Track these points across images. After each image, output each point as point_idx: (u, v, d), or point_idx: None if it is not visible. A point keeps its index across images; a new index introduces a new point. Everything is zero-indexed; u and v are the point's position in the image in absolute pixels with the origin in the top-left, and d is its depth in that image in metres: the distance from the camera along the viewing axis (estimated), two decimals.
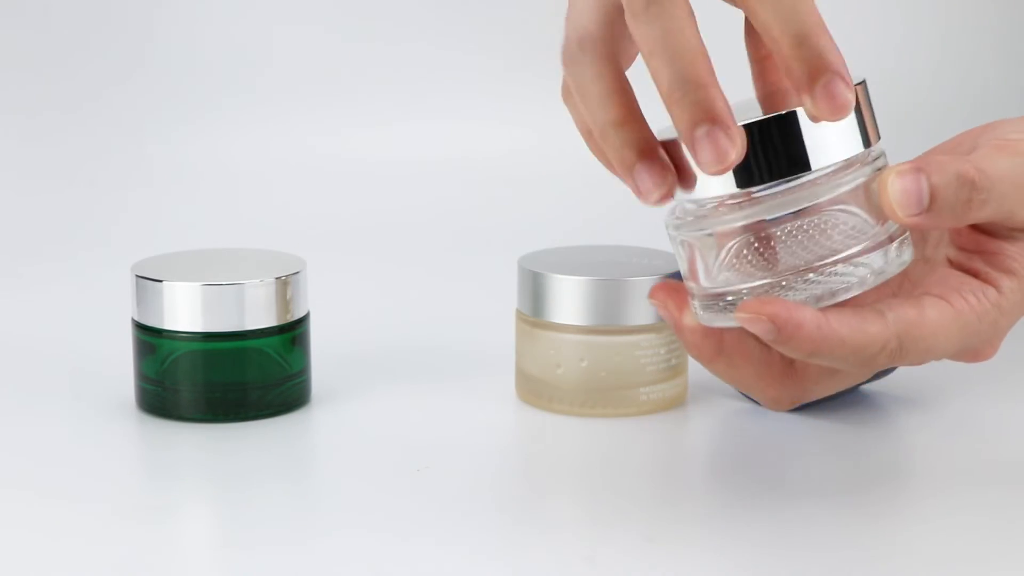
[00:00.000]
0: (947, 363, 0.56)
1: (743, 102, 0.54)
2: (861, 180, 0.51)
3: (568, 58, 0.53)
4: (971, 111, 1.08)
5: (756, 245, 0.51)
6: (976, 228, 0.55)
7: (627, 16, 0.50)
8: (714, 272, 0.52)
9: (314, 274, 0.69)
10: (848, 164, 0.51)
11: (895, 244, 0.52)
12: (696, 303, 0.53)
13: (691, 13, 0.49)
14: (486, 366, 0.73)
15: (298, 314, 0.66)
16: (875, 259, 0.52)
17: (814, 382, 0.57)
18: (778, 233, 0.51)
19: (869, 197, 0.51)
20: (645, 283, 0.65)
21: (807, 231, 0.51)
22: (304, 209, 1.04)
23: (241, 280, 0.64)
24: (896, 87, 1.09)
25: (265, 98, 1.11)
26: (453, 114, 1.10)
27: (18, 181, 1.05)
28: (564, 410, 0.67)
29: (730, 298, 0.52)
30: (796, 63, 0.48)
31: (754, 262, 0.51)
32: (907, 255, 0.53)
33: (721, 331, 0.55)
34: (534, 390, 0.67)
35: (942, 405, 0.67)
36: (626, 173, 0.51)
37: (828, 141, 0.50)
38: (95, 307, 0.82)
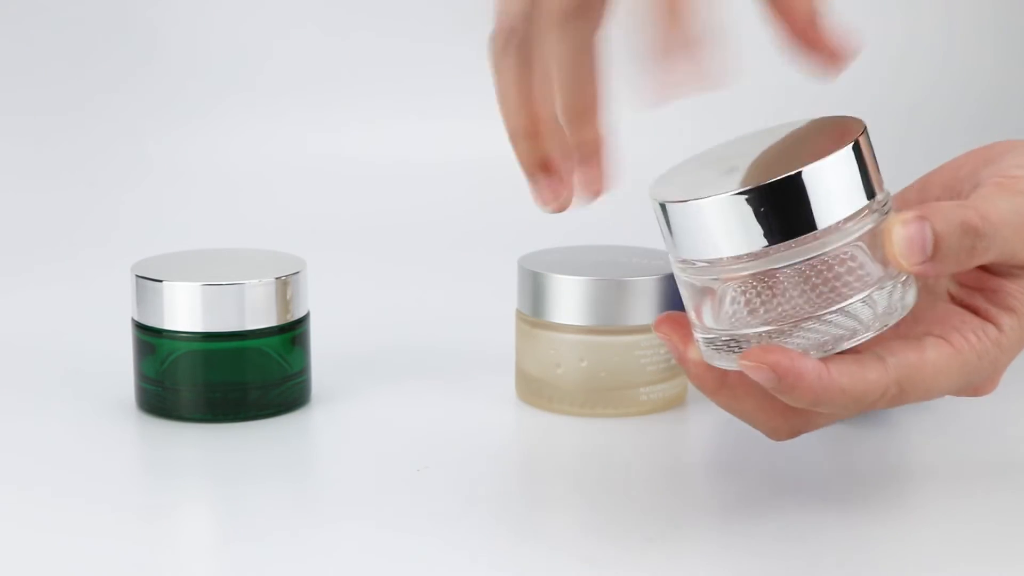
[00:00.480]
0: None
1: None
2: (868, 227, 0.51)
3: (493, 56, 0.54)
4: (972, 113, 1.08)
5: (763, 291, 0.51)
6: (978, 266, 0.55)
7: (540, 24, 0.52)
8: (719, 315, 0.52)
9: (314, 274, 0.69)
10: (854, 214, 0.51)
11: (899, 286, 0.52)
12: (700, 339, 0.53)
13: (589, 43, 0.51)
14: (486, 366, 0.73)
15: (298, 314, 0.66)
16: (880, 301, 0.52)
17: (816, 414, 0.56)
18: (784, 280, 0.51)
19: (874, 243, 0.51)
20: (645, 283, 0.65)
21: (813, 277, 0.51)
22: (304, 209, 1.04)
23: (241, 280, 0.64)
24: (896, 89, 1.09)
25: (265, 98, 1.11)
26: (453, 114, 1.10)
27: (18, 181, 1.05)
28: (564, 410, 0.67)
29: (737, 339, 0.52)
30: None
31: (761, 305, 0.51)
32: (910, 298, 0.53)
33: None
34: (534, 390, 0.67)
35: (944, 406, 0.67)
36: (528, 179, 0.54)
37: (833, 199, 0.50)
38: (95, 307, 0.82)
